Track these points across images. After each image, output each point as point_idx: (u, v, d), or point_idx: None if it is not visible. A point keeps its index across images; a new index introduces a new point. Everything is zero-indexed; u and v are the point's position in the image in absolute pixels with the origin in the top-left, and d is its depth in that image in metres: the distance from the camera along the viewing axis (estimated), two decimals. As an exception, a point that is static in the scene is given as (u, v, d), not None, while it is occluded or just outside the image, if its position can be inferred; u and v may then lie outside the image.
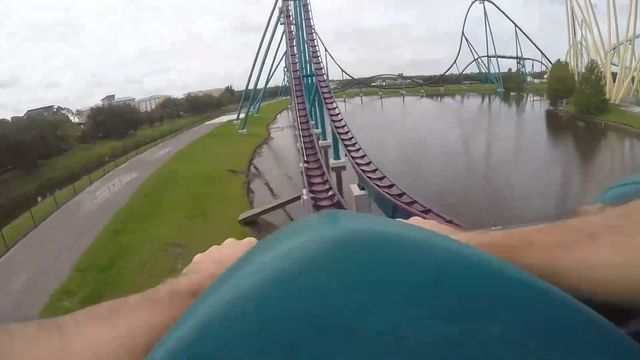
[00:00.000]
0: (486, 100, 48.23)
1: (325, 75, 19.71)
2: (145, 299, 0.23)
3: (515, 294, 0.13)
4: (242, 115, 30.68)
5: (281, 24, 25.72)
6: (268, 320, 0.12)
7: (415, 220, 0.35)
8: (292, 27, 23.52)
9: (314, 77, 19.94)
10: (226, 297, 0.13)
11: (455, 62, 67.46)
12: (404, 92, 62.21)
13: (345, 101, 53.46)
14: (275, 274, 0.14)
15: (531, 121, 29.80)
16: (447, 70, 68.74)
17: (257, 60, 29.24)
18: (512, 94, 50.75)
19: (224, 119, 38.50)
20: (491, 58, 63.11)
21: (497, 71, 61.02)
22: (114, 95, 45.17)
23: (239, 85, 60.87)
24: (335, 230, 0.16)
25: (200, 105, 53.46)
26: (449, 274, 0.13)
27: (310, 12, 23.48)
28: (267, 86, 36.79)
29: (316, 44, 22.73)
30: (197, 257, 0.34)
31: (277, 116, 44.30)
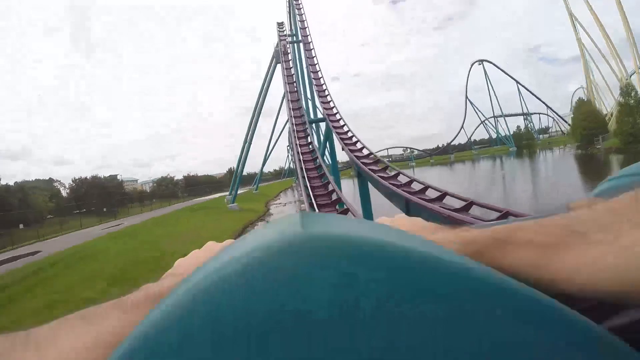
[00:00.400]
0: (503, 160, 44.13)
1: (341, 121, 13.85)
2: (120, 305, 0.23)
3: (484, 294, 0.12)
4: (240, 192, 26.85)
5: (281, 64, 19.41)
6: (219, 317, 0.12)
7: (399, 220, 0.35)
8: (291, 69, 18.89)
9: (322, 123, 15.79)
10: (181, 295, 0.14)
11: (462, 127, 65.40)
12: (414, 163, 60.44)
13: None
14: (229, 272, 0.14)
15: (568, 170, 24.56)
16: (455, 137, 66.94)
17: (253, 138, 25.43)
18: (524, 151, 48.28)
19: (216, 196, 33.15)
20: (498, 118, 61.32)
21: (505, 131, 60.01)
22: (117, 175, 43.00)
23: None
24: (297, 231, 0.15)
25: (198, 185, 47.75)
26: (410, 277, 0.12)
27: (313, 51, 18.92)
28: (271, 170, 34.51)
29: (323, 82, 17.18)
30: (178, 262, 0.34)
31: (280, 193, 40.45)
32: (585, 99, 36.04)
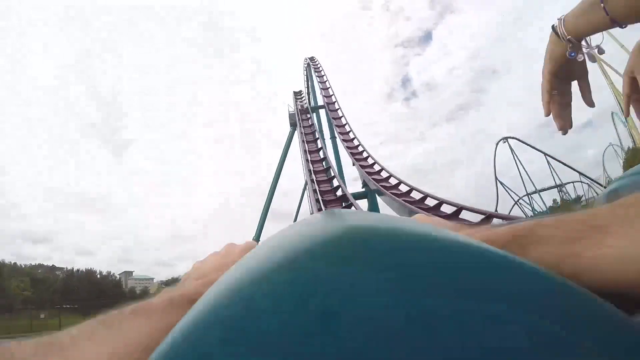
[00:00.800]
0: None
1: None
2: (142, 309, 0.22)
3: (524, 285, 0.12)
4: None
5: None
6: (257, 321, 0.11)
7: (421, 217, 0.35)
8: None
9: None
10: (216, 300, 0.13)
11: (496, 210, 62.25)
12: None
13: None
14: (264, 275, 0.13)
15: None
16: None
17: None
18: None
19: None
20: (531, 195, 60.14)
21: (542, 207, 57.24)
22: (132, 272, 41.43)
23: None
24: (334, 227, 0.15)
25: None
26: (454, 268, 0.12)
27: (340, 111, 16.72)
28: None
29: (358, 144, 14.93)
30: (196, 264, 0.34)
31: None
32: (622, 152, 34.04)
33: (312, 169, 13.84)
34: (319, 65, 21.08)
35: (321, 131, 18.17)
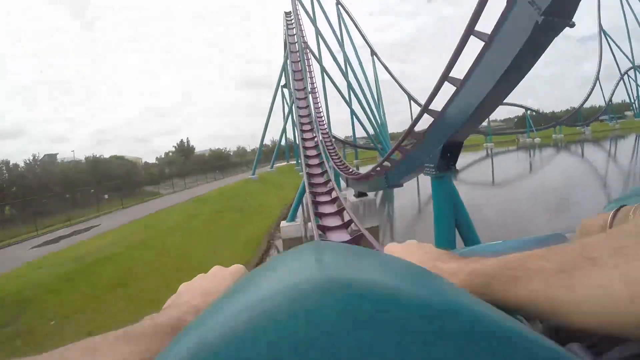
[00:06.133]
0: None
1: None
2: (126, 335, 0.22)
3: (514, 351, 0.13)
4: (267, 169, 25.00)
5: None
6: None
7: (410, 246, 0.34)
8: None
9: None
10: (203, 338, 0.13)
11: (597, 80, 39.50)
12: (491, 144, 38.88)
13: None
14: (253, 318, 0.13)
15: None
16: (587, 98, 40.00)
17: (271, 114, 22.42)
18: None
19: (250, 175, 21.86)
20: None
21: None
22: (56, 154, 33.68)
23: (251, 145, 52.17)
24: (323, 273, 0.15)
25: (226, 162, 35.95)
26: (446, 333, 0.13)
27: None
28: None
29: None
30: (182, 287, 0.33)
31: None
32: None
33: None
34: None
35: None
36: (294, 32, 19.42)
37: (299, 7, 21.01)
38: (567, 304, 0.18)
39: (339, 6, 22.96)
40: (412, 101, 29.43)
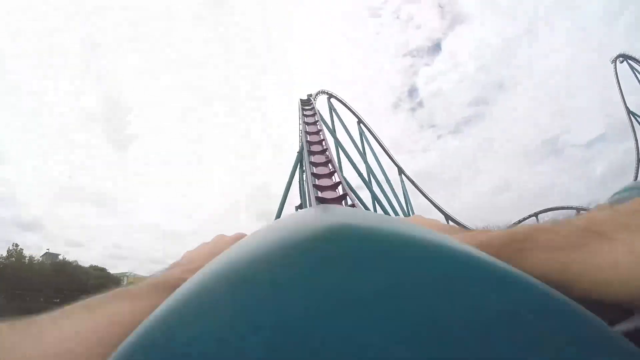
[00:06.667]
0: None
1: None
2: (125, 294, 0.22)
3: (514, 296, 0.12)
4: None
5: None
6: (232, 315, 0.11)
7: (416, 218, 0.35)
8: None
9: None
10: (195, 289, 0.13)
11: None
12: None
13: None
14: (245, 268, 0.13)
15: None
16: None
17: None
18: None
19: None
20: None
21: None
22: (58, 255, 30.24)
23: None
24: (323, 224, 0.14)
25: None
26: (449, 275, 0.12)
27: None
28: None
29: None
30: (185, 254, 0.35)
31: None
32: None
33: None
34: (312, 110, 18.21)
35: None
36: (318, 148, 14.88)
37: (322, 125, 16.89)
38: (575, 276, 0.18)
39: (361, 125, 20.12)
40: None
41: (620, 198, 0.39)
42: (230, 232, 0.39)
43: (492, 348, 0.10)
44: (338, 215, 0.16)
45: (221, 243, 0.34)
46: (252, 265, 0.13)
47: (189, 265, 0.28)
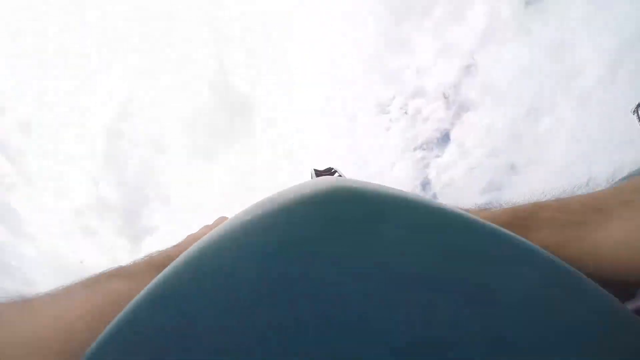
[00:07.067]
0: None
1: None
2: (122, 272, 0.22)
3: (518, 259, 0.12)
4: None
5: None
6: (231, 280, 0.11)
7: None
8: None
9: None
10: (191, 257, 0.13)
11: None
12: None
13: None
14: (242, 231, 0.12)
15: None
16: None
17: None
18: None
19: None
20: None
21: None
22: None
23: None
24: (323, 186, 0.14)
25: None
26: (453, 235, 0.12)
27: None
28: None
29: None
30: (188, 236, 0.34)
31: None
32: None
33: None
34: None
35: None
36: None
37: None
38: (578, 252, 0.18)
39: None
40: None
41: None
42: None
43: (504, 318, 0.10)
44: (339, 181, 0.16)
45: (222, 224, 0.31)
46: (248, 231, 0.12)
47: (183, 245, 0.28)
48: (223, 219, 0.35)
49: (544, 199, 0.22)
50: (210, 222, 0.35)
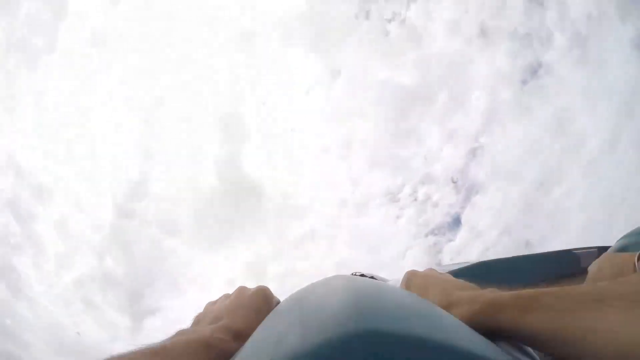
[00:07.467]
0: None
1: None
2: (156, 352, 0.22)
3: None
4: None
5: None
6: None
7: (431, 272, 0.36)
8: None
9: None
10: None
11: None
12: None
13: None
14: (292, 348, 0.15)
15: None
16: None
17: None
18: None
19: None
20: None
21: None
22: None
23: None
24: (357, 326, 0.16)
25: None
26: None
27: None
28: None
29: None
30: (208, 305, 0.35)
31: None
32: None
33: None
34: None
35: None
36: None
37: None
38: (575, 341, 0.19)
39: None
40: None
41: (627, 242, 0.40)
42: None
43: None
44: (359, 293, 0.19)
45: (244, 297, 0.33)
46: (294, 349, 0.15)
47: (215, 321, 0.28)
48: (243, 288, 0.35)
49: (547, 288, 0.23)
50: (229, 292, 0.36)
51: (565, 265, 0.67)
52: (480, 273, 0.70)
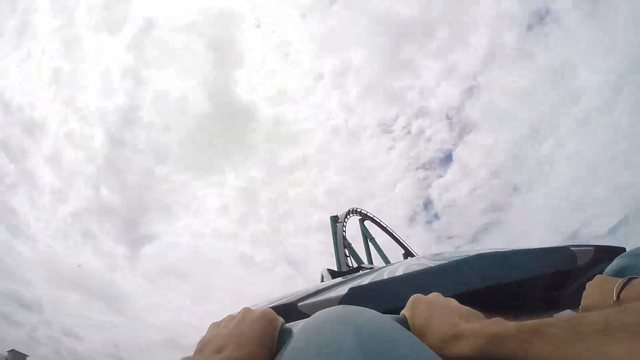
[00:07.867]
0: None
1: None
2: None
3: None
4: None
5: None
6: None
7: (436, 298, 0.35)
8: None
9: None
10: None
11: None
12: None
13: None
14: None
15: None
16: None
17: None
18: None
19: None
20: None
21: None
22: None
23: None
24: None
25: None
26: None
27: None
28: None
29: None
30: (212, 327, 0.34)
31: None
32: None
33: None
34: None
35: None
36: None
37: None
38: None
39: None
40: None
41: (623, 264, 0.41)
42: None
43: None
44: (360, 332, 0.22)
45: (248, 321, 0.32)
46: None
47: (220, 350, 0.28)
48: (247, 310, 0.35)
49: (550, 318, 0.23)
50: (233, 312, 0.36)
51: (562, 262, 0.70)
52: (479, 267, 0.72)
